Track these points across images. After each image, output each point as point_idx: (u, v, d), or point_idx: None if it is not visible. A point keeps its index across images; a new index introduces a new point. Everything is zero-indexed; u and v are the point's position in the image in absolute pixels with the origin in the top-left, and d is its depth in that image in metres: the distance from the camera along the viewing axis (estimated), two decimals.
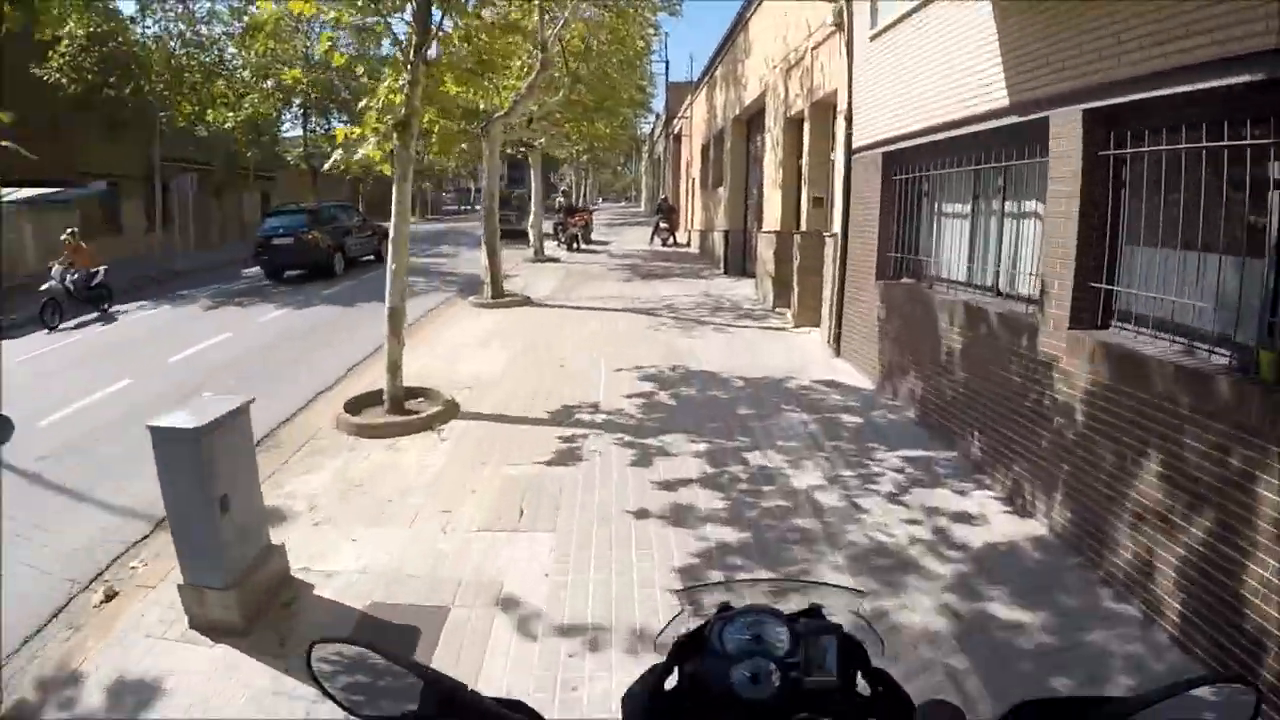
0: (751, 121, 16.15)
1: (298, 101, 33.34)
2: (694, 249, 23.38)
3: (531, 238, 19.99)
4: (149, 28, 21.97)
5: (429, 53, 7.03)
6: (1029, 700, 0.93)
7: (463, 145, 14.93)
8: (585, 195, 52.08)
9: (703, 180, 22.56)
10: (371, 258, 20.23)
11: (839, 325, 8.61)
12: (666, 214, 25.72)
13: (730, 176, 16.82)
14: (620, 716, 1.02)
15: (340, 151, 7.77)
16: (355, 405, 7.13)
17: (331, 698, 0.96)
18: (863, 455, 5.63)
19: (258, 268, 17.91)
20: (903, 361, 6.84)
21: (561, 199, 25.04)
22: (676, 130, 31.58)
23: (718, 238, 17.91)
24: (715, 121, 19.49)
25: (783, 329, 10.52)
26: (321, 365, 9.06)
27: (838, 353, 8.63)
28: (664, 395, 7.20)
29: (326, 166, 10.05)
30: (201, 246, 24.35)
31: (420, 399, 7.43)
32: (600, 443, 5.90)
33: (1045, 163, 4.72)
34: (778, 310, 11.42)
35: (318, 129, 36.74)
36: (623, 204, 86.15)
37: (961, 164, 6.08)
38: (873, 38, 7.50)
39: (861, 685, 1.05)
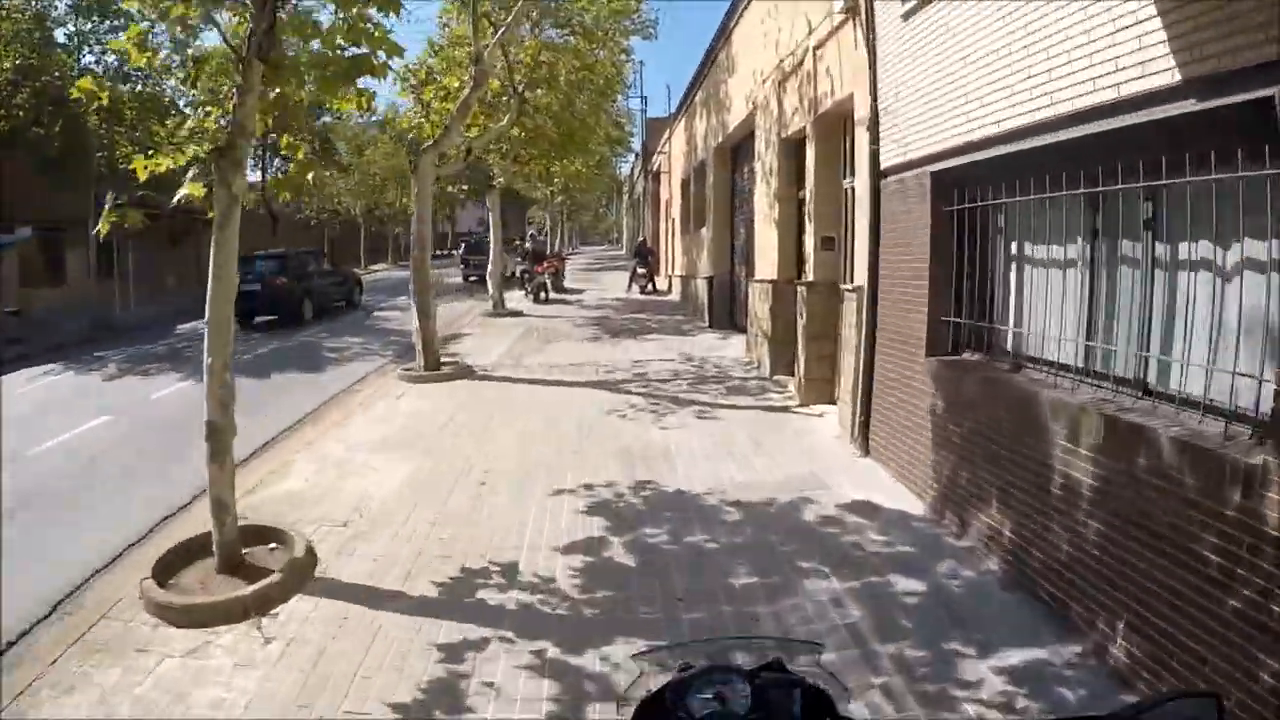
0: (738, 149, 14.06)
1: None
2: (675, 296, 21.18)
3: (490, 288, 17.65)
4: (85, 59, 20.09)
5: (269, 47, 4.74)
6: None
7: (339, 180, 12.82)
8: (563, 239, 50.10)
9: (683, 220, 20.46)
10: (342, 304, 20.32)
11: (866, 411, 6.29)
12: (644, 258, 23.45)
13: (714, 214, 14.67)
14: None
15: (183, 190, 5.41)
16: (181, 557, 4.79)
17: None
18: (945, 675, 3.24)
19: (193, 323, 15.87)
20: (976, 482, 4.49)
21: (528, 243, 22.61)
22: (655, 167, 29.64)
23: (701, 285, 15.70)
24: (695, 154, 17.41)
25: (786, 407, 8.20)
26: (182, 474, 6.45)
27: (865, 449, 6.29)
28: (619, 546, 4.75)
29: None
30: (153, 297, 22.04)
31: (270, 546, 5.04)
32: (501, 667, 3.47)
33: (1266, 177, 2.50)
34: (777, 380, 9.10)
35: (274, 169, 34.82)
36: (604, 246, 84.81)
37: (1070, 185, 3.83)
38: (907, 15, 5.31)
39: None
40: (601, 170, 38.31)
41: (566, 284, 25.84)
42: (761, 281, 9.87)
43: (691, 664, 1.11)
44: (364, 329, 17.10)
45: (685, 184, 19.96)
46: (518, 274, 22.86)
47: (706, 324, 14.80)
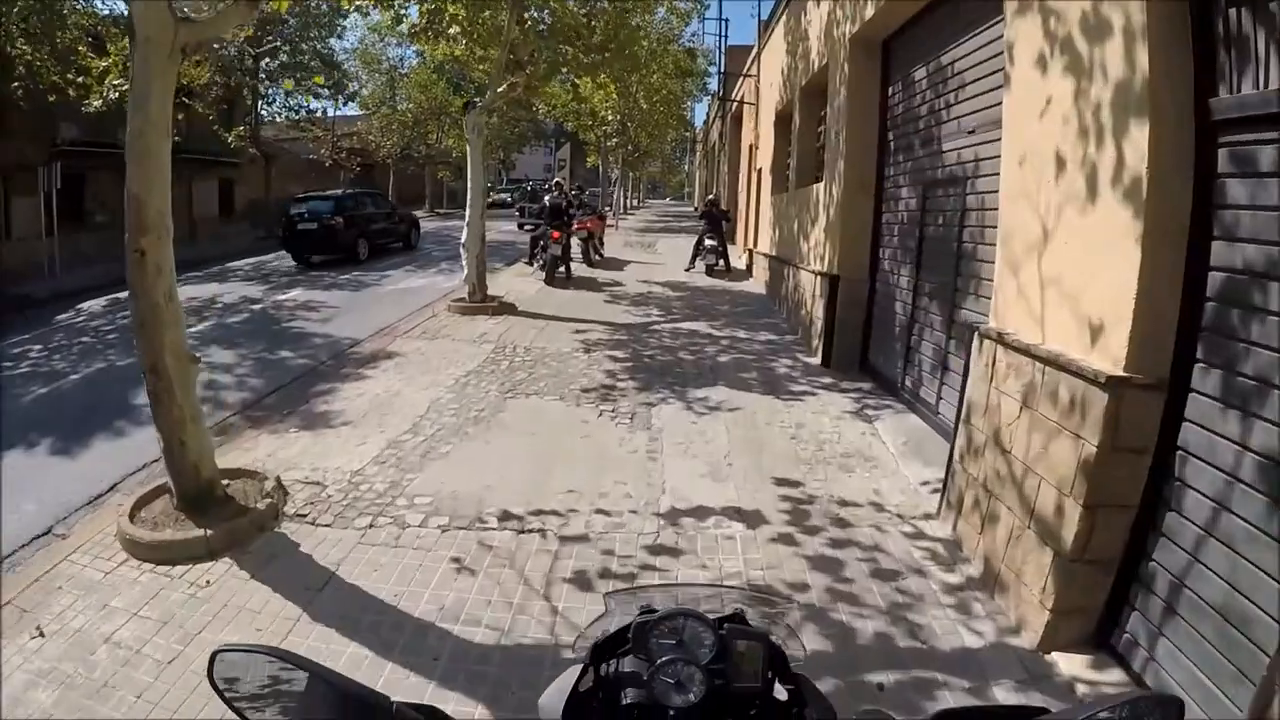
0: (897, 39, 7.28)
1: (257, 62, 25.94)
2: (757, 284, 14.53)
3: (465, 264, 11.27)
4: None
5: None
6: (949, 709, 0.92)
7: None
8: (626, 192, 43.33)
9: (778, 172, 13.69)
10: (400, 245, 20.72)
11: None
12: (715, 224, 16.39)
13: (847, 164, 7.85)
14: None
15: None
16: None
17: (235, 709, 0.89)
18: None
19: (96, 301, 12.84)
20: None
21: (553, 193, 15.78)
22: (735, 103, 22.65)
23: (810, 284, 9.14)
24: (808, 63, 10.56)
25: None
26: None
27: None
28: None
29: None
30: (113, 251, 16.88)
31: None
32: None
33: None
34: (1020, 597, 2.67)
35: (277, 104, 28.98)
36: (675, 201, 77.35)
37: None
38: None
39: (778, 690, 1.06)
40: (668, 108, 31.40)
41: (610, 252, 19.37)
42: (1042, 360, 3.30)
43: (655, 607, 1.09)
44: (420, 269, 16.81)
45: (784, 119, 13.14)
46: (531, 241, 16.48)
47: (819, 360, 8.23)
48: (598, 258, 18.02)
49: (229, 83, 23.69)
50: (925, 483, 4.86)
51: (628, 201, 47.53)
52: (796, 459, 5.34)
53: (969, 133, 5.32)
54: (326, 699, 0.87)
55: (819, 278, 8.53)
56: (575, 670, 1.05)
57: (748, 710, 1.02)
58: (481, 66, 11.59)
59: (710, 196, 19.14)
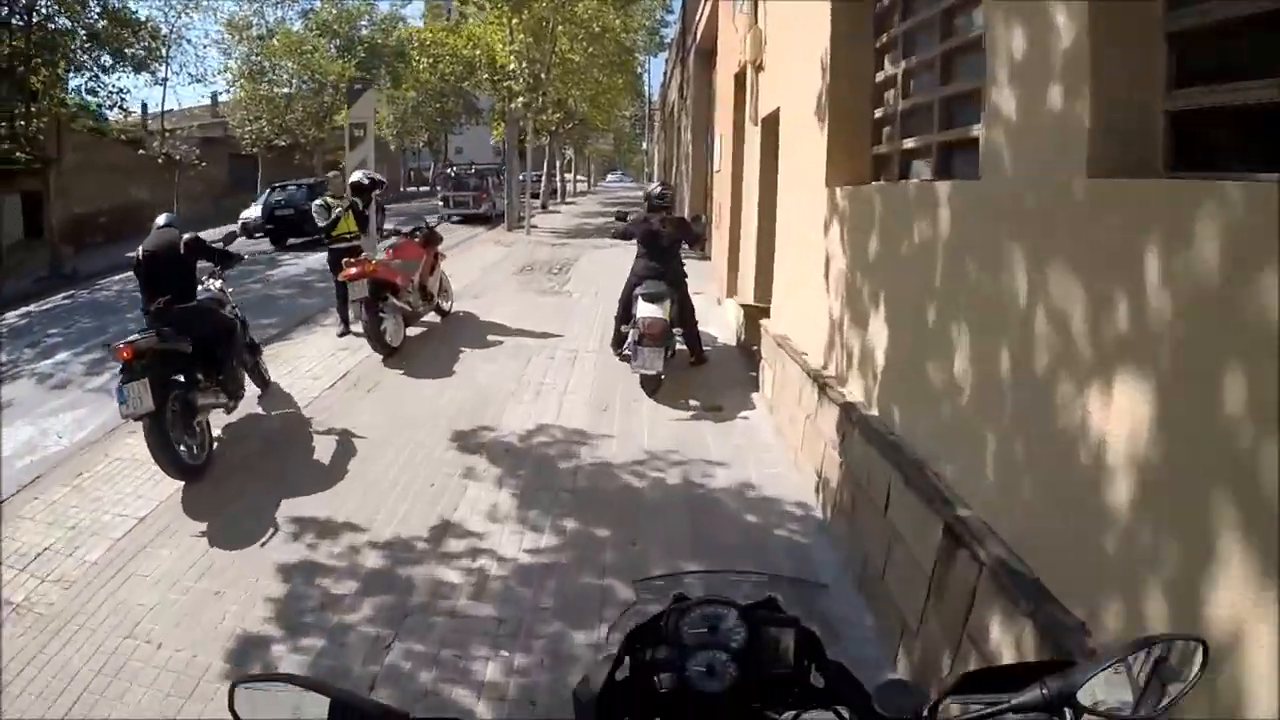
0: None
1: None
2: (777, 444, 5.62)
3: None
4: None
5: None
6: (975, 670, 0.97)
7: None
8: (558, 176, 34.16)
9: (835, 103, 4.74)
10: None
11: None
12: (661, 253, 6.98)
13: None
14: (573, 710, 1.01)
15: None
16: None
17: None
18: None
19: None
20: None
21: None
22: (700, 34, 13.69)
23: None
24: None
25: None
26: None
27: None
28: None
29: None
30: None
31: None
32: None
33: None
34: None
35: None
36: (634, 182, 67.58)
37: None
38: None
39: (815, 677, 1.06)
40: (608, 57, 22.42)
41: (486, 287, 10.42)
42: None
43: (687, 595, 1.12)
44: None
45: None
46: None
47: None
48: (432, 315, 9.12)
49: None
50: None
51: (568, 186, 38.43)
52: None
53: None
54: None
55: None
56: (610, 660, 1.06)
57: (784, 697, 1.05)
58: None
59: (654, 189, 8.07)
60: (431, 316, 9.27)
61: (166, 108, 26.86)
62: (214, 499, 4.90)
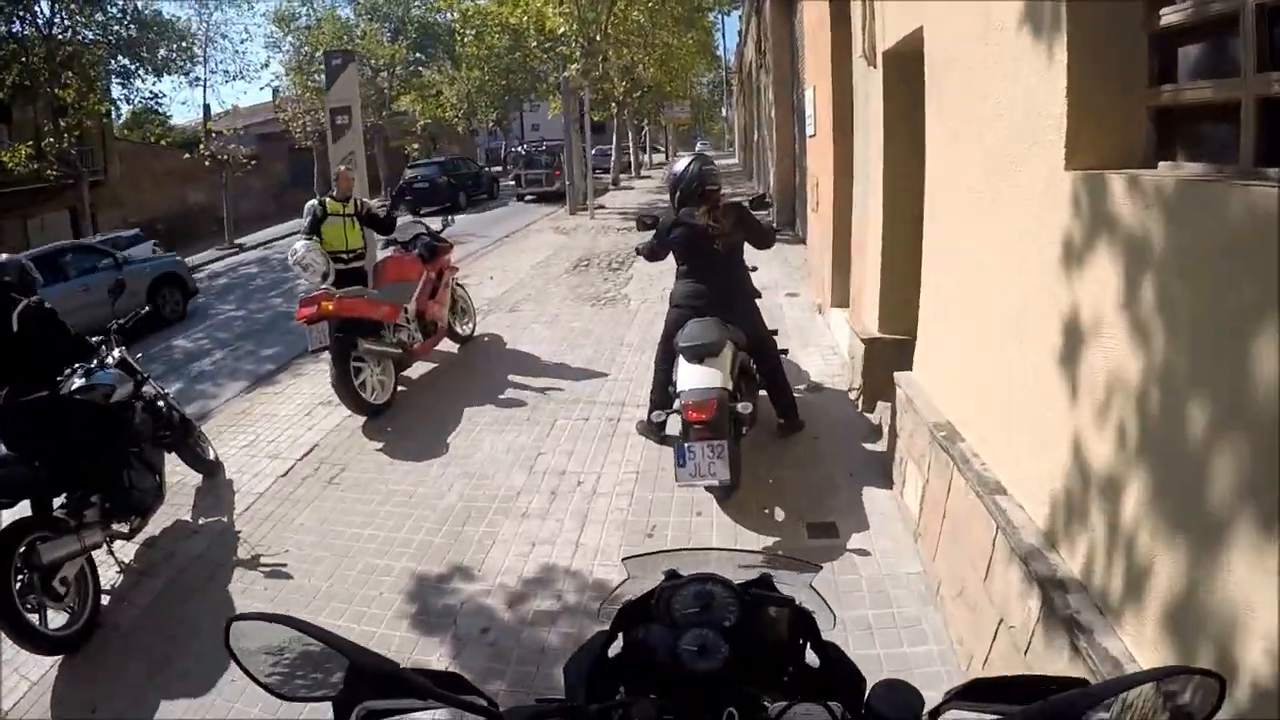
0: None
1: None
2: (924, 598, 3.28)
3: None
4: None
5: None
6: (983, 678, 0.89)
7: None
8: (630, 149, 31.68)
9: None
10: (486, 195, 25.01)
11: None
12: (710, 262, 4.37)
13: None
14: (564, 687, 1.00)
15: None
16: None
17: (252, 678, 0.89)
18: None
19: None
20: None
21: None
22: None
23: None
24: None
25: None
26: None
27: None
28: None
29: None
30: None
31: None
32: None
33: None
34: None
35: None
36: (716, 153, 63.88)
37: None
38: None
39: (810, 658, 1.05)
40: (675, 19, 19.82)
41: (522, 294, 8.57)
42: None
43: (679, 572, 1.10)
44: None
45: None
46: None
47: None
48: (448, 342, 7.17)
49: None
50: None
51: (643, 159, 35.97)
52: None
53: None
54: (338, 666, 0.86)
55: None
56: (600, 637, 1.05)
57: (779, 677, 1.03)
58: None
59: (685, 166, 4.46)
60: (448, 344, 7.28)
61: (232, 107, 26.20)
62: (74, 700, 3.29)
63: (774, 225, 8.91)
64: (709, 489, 3.98)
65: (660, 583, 1.07)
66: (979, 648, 2.68)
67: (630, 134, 31.20)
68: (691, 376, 3.80)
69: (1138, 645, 1.86)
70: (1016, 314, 2.56)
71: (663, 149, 47.79)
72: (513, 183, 25.11)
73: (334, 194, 6.71)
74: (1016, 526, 2.45)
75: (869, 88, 4.79)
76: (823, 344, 6.50)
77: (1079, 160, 2.14)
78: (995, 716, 0.86)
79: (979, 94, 2.80)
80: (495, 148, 49.91)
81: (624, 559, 1.21)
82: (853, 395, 5.19)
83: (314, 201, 6.74)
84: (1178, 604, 1.71)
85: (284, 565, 4.00)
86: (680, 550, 1.29)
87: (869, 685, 0.95)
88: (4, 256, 4.13)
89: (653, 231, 4.61)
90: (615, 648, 1.04)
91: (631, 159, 31.31)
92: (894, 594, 3.25)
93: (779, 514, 3.93)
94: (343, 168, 6.98)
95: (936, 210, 3.53)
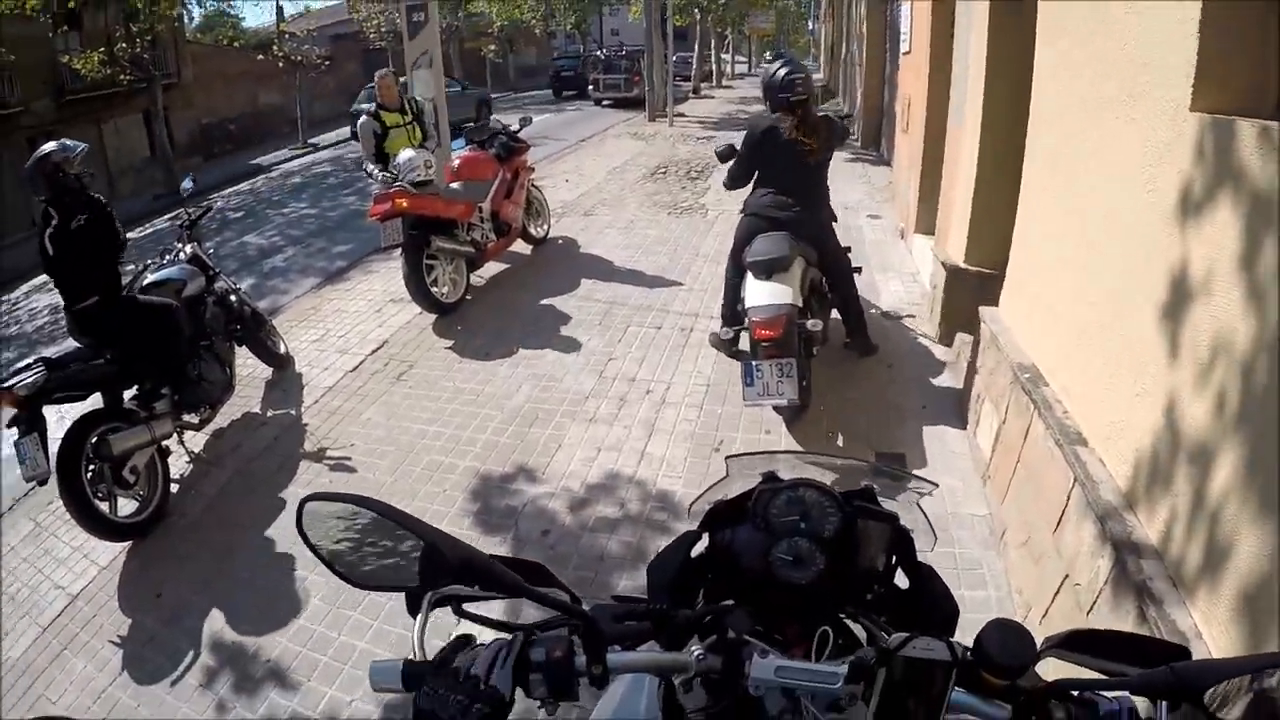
0: None
1: None
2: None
3: None
4: None
5: None
6: (1080, 630, 0.83)
7: None
8: (714, 57, 30.45)
9: None
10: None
11: None
12: (795, 173, 4.10)
13: None
14: (646, 584, 0.98)
15: None
16: None
17: (326, 562, 0.87)
18: None
19: None
20: None
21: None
22: None
23: None
24: None
25: None
26: None
27: None
28: None
29: None
30: None
31: None
32: None
33: None
34: None
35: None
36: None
37: None
38: None
39: (899, 578, 1.00)
40: None
41: (597, 198, 8.33)
42: None
43: (779, 475, 1.03)
44: None
45: None
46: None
47: None
48: (520, 244, 7.15)
49: None
50: None
51: (725, 69, 34.59)
52: None
53: None
54: (414, 551, 0.81)
55: None
56: (688, 537, 1.01)
57: (863, 594, 0.98)
58: None
59: (777, 70, 4.18)
60: (520, 245, 7.23)
61: (305, 9, 26.10)
62: (141, 582, 3.50)
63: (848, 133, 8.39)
64: (777, 409, 3.89)
65: (758, 484, 1.01)
66: (1039, 600, 2.59)
67: (713, 41, 30.03)
68: (760, 293, 3.66)
69: (1207, 623, 1.76)
70: (1120, 261, 2.35)
71: (746, 59, 45.94)
72: (591, 86, 24.58)
73: (381, 105, 6.60)
74: (1095, 481, 2.31)
75: (971, 6, 4.40)
76: (904, 270, 6.23)
77: (1205, 102, 1.90)
78: (1103, 676, 0.79)
79: (1100, 20, 2.52)
80: (573, 51, 48.75)
81: (727, 457, 1.16)
82: (931, 325, 4.98)
83: (366, 119, 6.60)
84: (1257, 587, 1.60)
85: (349, 459, 4.12)
86: (787, 452, 1.23)
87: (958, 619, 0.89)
88: (60, 144, 3.76)
89: (731, 163, 4.41)
90: (699, 548, 1.01)
91: (713, 67, 30.22)
92: (956, 534, 3.15)
93: (848, 440, 3.83)
94: (381, 74, 6.78)
95: (1040, 142, 3.24)
